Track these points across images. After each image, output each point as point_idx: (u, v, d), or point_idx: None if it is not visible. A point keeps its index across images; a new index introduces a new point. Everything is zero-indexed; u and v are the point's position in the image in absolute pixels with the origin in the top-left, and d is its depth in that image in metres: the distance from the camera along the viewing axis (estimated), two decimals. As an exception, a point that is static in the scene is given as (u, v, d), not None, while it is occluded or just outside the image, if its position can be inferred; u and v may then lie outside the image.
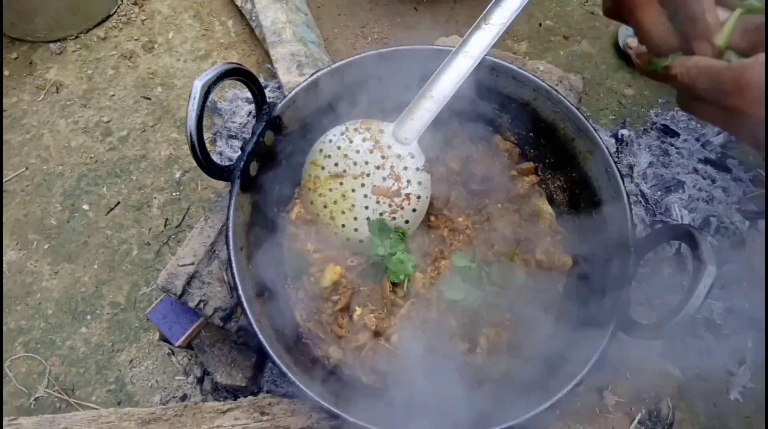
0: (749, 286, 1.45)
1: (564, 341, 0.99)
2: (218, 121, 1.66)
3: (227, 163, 0.96)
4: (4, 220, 1.62)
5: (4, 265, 1.56)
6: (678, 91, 0.69)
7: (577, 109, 1.08)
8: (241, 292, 0.92)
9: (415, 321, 1.01)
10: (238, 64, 0.91)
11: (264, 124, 1.01)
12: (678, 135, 1.66)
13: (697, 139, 1.65)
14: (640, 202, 1.53)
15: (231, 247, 0.94)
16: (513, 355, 1.01)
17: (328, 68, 1.08)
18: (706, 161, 1.61)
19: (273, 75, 1.67)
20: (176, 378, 1.41)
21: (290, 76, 1.54)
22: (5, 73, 1.87)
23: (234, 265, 0.93)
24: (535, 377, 0.97)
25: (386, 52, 1.11)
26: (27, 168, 1.71)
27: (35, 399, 1.39)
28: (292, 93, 1.06)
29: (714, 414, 1.37)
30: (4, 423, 1.11)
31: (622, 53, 1.86)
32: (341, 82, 1.10)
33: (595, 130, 1.05)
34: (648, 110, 1.76)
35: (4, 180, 1.68)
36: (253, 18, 1.81)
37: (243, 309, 0.91)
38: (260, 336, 0.90)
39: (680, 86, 0.66)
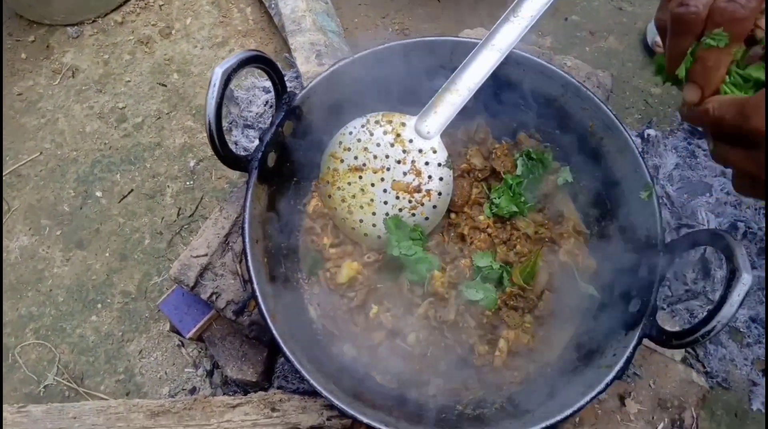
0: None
1: (587, 347, 0.96)
2: (234, 110, 1.63)
3: (243, 153, 0.93)
4: (18, 206, 1.61)
5: (17, 249, 1.55)
6: (712, 139, 0.68)
7: (607, 107, 1.04)
8: (255, 286, 0.89)
9: (432, 321, 0.98)
10: (260, 51, 0.88)
11: (283, 113, 0.98)
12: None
13: (725, 141, 1.60)
14: (666, 204, 1.48)
15: (247, 240, 0.91)
16: (533, 359, 0.98)
17: (349, 59, 1.05)
18: (735, 164, 1.56)
19: (291, 64, 1.64)
20: (186, 370, 1.40)
21: (309, 65, 1.51)
22: (22, 56, 1.86)
23: (249, 257, 0.90)
24: (554, 383, 0.94)
25: (409, 43, 1.08)
26: (41, 153, 1.70)
27: (44, 387, 1.38)
28: (313, 83, 1.03)
29: (735, 424, 1.33)
30: (15, 409, 1.10)
31: (649, 51, 1.81)
32: (362, 73, 1.06)
33: (624, 128, 1.02)
34: (675, 110, 1.71)
35: (18, 164, 1.67)
36: (272, 6, 1.78)
37: (257, 303, 0.89)
38: (274, 331, 0.87)
39: (709, 121, 0.64)
